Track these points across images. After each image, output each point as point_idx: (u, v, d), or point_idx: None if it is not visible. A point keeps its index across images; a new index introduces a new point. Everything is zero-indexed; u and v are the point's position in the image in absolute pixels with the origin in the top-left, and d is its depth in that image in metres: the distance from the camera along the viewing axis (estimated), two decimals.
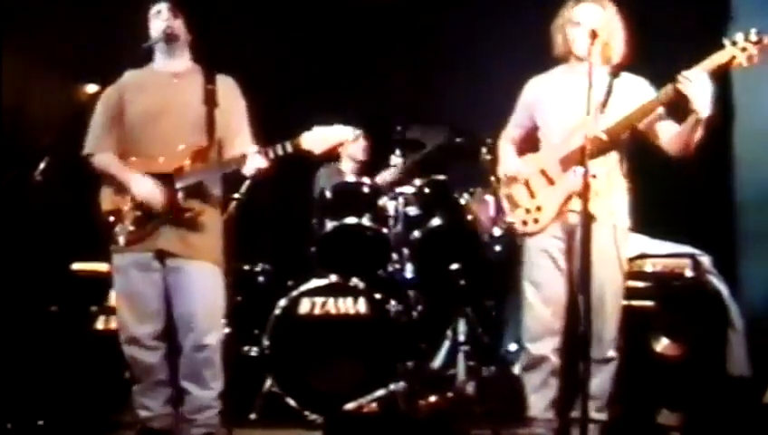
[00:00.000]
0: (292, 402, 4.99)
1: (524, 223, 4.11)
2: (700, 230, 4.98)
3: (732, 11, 5.12)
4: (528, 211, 4.10)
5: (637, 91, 3.99)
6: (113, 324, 4.86)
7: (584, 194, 3.66)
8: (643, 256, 4.77)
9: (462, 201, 5.42)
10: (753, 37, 3.75)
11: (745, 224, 5.20)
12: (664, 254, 4.82)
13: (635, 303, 4.53)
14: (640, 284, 4.65)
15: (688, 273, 4.73)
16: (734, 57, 3.76)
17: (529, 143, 4.26)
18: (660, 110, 3.96)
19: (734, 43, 3.76)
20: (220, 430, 4.20)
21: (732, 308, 4.62)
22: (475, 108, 5.98)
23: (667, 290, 4.68)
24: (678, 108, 3.90)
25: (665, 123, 4.00)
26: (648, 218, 4.85)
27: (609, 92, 3.97)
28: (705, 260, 4.77)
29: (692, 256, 4.76)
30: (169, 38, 4.15)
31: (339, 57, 6.61)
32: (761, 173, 5.12)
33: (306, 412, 4.96)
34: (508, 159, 4.25)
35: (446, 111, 6.08)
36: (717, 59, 3.79)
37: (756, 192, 5.14)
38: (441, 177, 5.49)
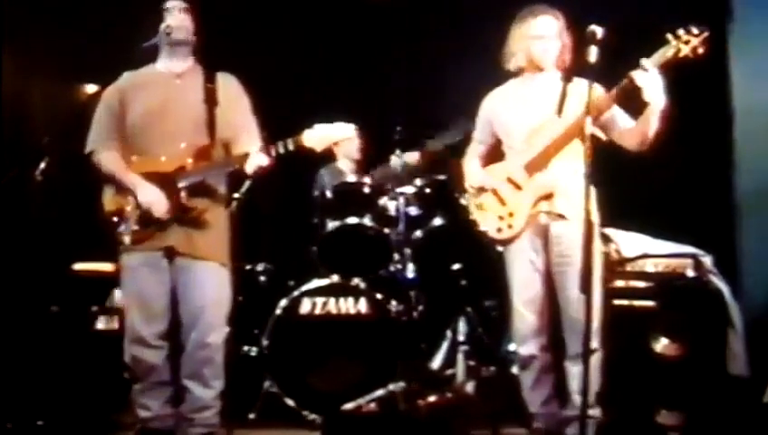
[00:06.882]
0: (291, 402, 5.00)
1: (499, 230, 4.23)
2: (701, 230, 4.97)
3: (732, 11, 5.11)
4: (501, 218, 4.22)
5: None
6: (114, 325, 4.89)
7: (586, 194, 3.64)
8: (644, 256, 4.75)
9: (463, 201, 5.41)
10: (695, 30, 3.83)
11: (746, 224, 5.19)
12: (665, 254, 4.80)
13: (635, 303, 4.53)
14: (641, 284, 4.64)
15: (690, 273, 4.71)
16: (679, 50, 3.83)
17: (494, 158, 4.36)
18: (614, 107, 4.04)
19: (677, 37, 3.84)
20: (220, 430, 4.20)
21: (732, 308, 4.60)
22: (475, 108, 5.96)
23: (668, 290, 4.67)
24: (632, 106, 4.02)
25: (621, 119, 4.10)
26: (649, 219, 4.85)
27: (563, 96, 4.07)
28: (707, 260, 4.74)
29: (693, 256, 4.74)
30: (174, 38, 4.15)
31: (339, 57, 6.60)
32: (761, 173, 5.11)
33: (305, 412, 4.97)
34: (473, 172, 4.37)
35: (447, 112, 6.06)
36: (664, 53, 3.86)
37: (757, 192, 5.13)
38: (442, 177, 5.49)
